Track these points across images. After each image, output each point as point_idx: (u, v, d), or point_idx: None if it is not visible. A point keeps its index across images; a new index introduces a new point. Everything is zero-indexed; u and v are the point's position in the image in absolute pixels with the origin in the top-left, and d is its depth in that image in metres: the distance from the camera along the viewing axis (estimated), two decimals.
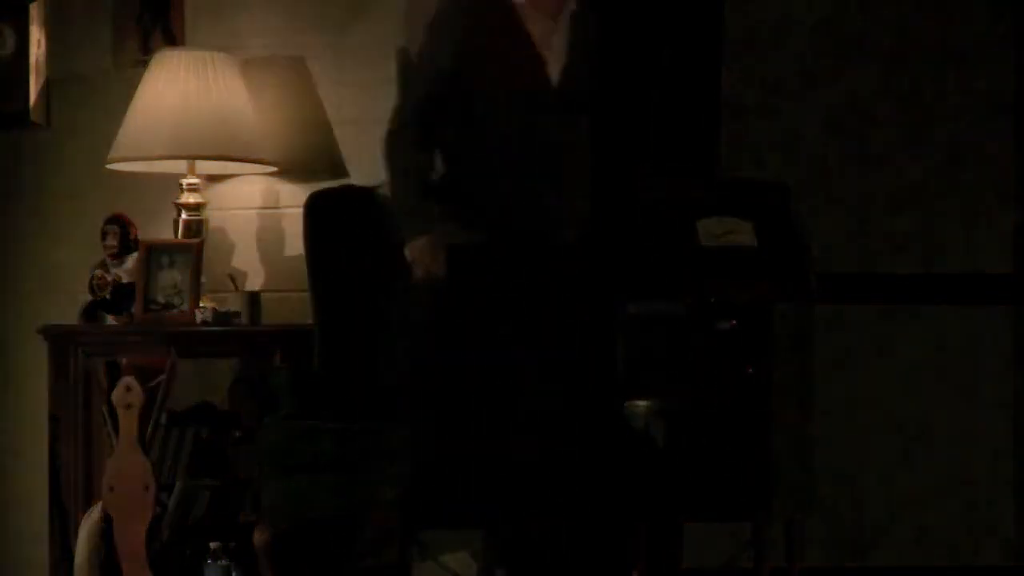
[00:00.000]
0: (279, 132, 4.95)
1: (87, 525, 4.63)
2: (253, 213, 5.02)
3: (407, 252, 3.86)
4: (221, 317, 4.71)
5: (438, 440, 3.82)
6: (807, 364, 4.24)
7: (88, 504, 4.69)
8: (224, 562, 4.47)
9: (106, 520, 4.58)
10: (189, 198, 4.81)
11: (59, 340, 4.75)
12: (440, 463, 3.82)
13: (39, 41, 5.27)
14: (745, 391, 4.05)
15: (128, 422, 4.56)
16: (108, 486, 4.57)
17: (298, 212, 4.67)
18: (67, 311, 4.91)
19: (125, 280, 4.78)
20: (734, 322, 4.07)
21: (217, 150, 4.74)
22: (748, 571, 4.18)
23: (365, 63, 4.89)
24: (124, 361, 4.69)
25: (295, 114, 4.98)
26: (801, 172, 4.99)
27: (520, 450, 3.79)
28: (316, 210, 4.63)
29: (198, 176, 4.84)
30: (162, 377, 4.62)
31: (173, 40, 5.07)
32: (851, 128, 5.07)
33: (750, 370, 4.05)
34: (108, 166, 4.84)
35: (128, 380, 4.57)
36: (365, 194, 4.63)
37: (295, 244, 4.79)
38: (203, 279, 4.74)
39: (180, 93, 4.71)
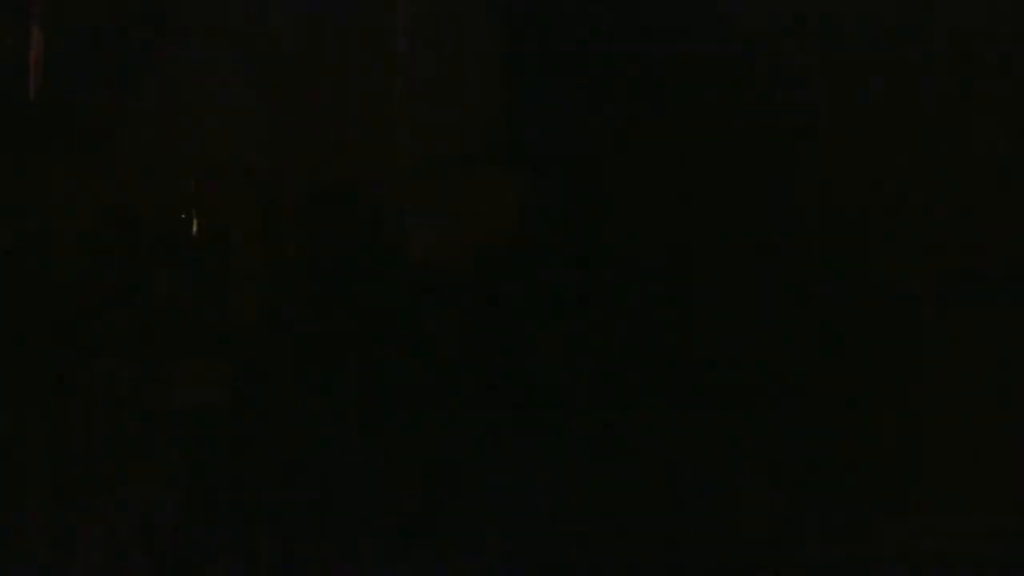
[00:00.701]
0: (280, 131, 4.95)
1: (87, 524, 4.63)
2: (255, 212, 5.01)
3: None
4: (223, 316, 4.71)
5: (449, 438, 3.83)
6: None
7: (90, 503, 4.69)
8: (225, 561, 4.47)
9: (107, 520, 4.59)
10: (190, 196, 4.82)
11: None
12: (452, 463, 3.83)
13: (39, 40, 5.27)
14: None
15: (131, 419, 4.56)
16: (108, 484, 4.57)
17: (298, 212, 4.67)
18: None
19: None
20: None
21: (217, 148, 4.75)
22: None
23: (368, 61, 4.89)
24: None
25: (296, 113, 4.97)
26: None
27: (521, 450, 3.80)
28: (316, 209, 4.63)
29: (198, 175, 4.84)
30: (163, 375, 4.63)
31: (174, 39, 5.07)
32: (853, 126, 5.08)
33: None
34: (109, 165, 4.84)
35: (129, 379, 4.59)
36: (364, 194, 4.63)
37: (295, 244, 4.78)
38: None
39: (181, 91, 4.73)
